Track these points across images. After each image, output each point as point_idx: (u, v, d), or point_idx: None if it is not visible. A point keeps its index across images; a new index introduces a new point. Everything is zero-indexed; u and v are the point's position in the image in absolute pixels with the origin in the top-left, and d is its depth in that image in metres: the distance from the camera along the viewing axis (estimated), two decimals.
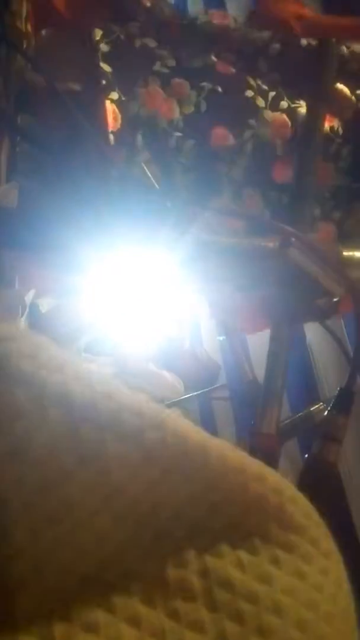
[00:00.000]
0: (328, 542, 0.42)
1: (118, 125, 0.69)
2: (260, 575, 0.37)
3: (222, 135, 0.71)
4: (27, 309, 1.00)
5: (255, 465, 0.41)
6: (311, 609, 0.37)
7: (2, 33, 0.69)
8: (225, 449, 0.40)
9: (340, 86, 0.76)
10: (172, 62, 0.73)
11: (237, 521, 0.39)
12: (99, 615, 0.34)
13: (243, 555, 0.38)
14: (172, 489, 0.37)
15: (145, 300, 1.01)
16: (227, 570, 0.37)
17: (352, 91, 0.78)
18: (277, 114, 0.74)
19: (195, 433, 0.40)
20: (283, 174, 0.73)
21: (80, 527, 0.34)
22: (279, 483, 0.41)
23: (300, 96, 0.76)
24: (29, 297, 0.99)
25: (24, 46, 0.69)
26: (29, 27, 0.68)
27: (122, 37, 0.71)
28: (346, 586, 0.41)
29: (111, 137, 0.69)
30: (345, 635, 0.39)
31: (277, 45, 0.78)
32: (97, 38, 0.70)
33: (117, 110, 0.69)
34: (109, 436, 0.36)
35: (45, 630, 0.33)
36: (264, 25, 0.77)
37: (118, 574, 0.35)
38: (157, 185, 0.70)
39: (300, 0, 0.86)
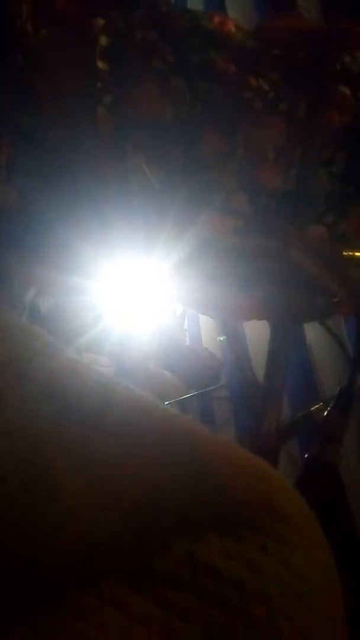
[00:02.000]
0: (316, 533, 0.41)
1: (113, 127, 0.69)
2: (248, 563, 0.37)
3: (213, 140, 0.70)
4: (27, 309, 1.00)
5: (244, 455, 0.41)
6: (298, 598, 0.37)
7: (2, 33, 0.69)
8: (214, 440, 0.40)
9: (342, 89, 0.76)
10: (171, 58, 0.72)
11: (225, 511, 0.39)
12: (87, 602, 0.34)
13: (230, 543, 0.38)
14: (159, 480, 0.38)
15: (145, 299, 1.01)
16: (215, 559, 0.37)
17: (353, 95, 0.77)
18: (273, 118, 0.73)
19: (184, 425, 0.40)
20: (272, 179, 0.73)
21: (65, 517, 0.35)
22: (267, 474, 0.41)
23: (300, 98, 0.75)
24: (29, 297, 1.00)
25: (24, 46, 0.69)
26: (29, 27, 0.68)
27: (122, 28, 0.70)
28: (334, 577, 0.40)
29: (108, 137, 0.68)
30: (332, 625, 0.38)
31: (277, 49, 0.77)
32: (98, 28, 0.69)
33: (111, 113, 0.68)
34: (93, 431, 0.37)
35: (36, 618, 0.33)
36: (269, 42, 0.76)
37: (105, 562, 0.35)
38: (156, 185, 0.70)
39: (302, 15, 0.86)
